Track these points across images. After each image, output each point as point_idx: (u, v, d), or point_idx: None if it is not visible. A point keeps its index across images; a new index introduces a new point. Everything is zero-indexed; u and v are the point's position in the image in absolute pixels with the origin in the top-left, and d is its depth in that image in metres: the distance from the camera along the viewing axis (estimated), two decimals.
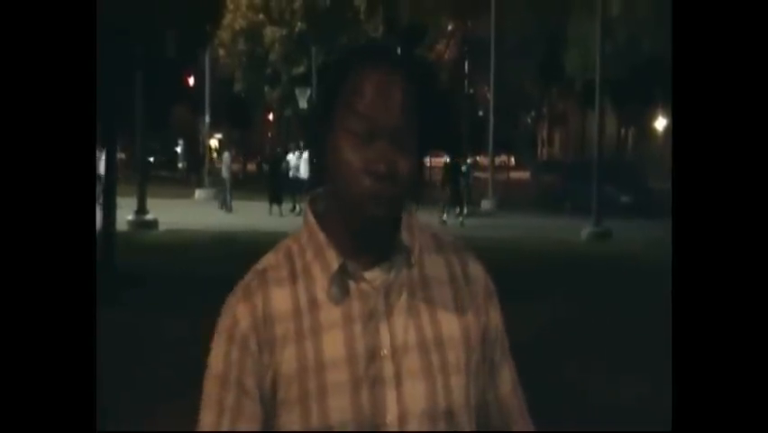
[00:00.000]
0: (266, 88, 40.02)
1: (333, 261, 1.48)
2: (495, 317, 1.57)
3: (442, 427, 1.46)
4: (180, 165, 47.17)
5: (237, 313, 1.50)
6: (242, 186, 32.88)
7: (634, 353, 8.27)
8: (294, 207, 26.04)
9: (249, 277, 1.54)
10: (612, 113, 38.32)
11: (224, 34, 38.92)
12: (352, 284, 1.48)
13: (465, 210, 24.34)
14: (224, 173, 27.53)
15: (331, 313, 1.47)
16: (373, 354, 1.45)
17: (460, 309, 1.52)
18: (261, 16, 39.24)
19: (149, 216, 19.99)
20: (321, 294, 1.48)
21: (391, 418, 1.44)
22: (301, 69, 37.26)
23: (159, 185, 28.63)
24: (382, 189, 1.42)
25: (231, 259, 14.88)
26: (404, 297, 1.49)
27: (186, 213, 23.68)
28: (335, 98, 1.45)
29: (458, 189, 24.45)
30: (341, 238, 1.49)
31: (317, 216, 1.53)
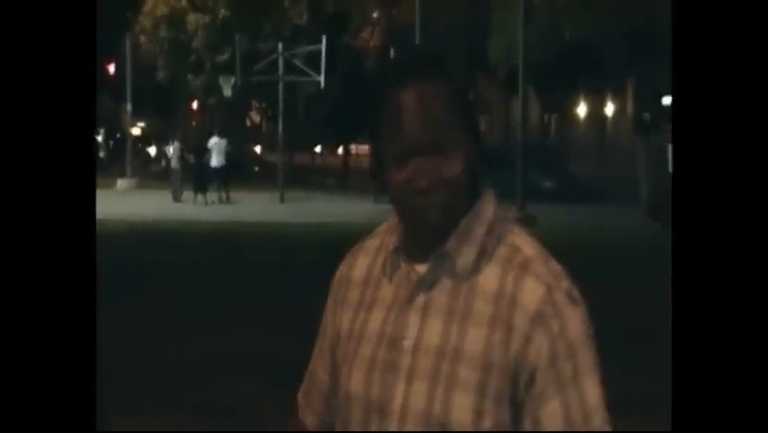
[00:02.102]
0: (189, 76, 39.43)
1: (392, 243, 1.57)
2: (539, 346, 1.46)
3: None
4: (102, 154, 46.26)
5: (336, 271, 1.67)
6: (167, 176, 32.42)
7: None
8: (220, 198, 25.66)
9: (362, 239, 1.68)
10: (535, 99, 38.79)
11: (145, 21, 38.22)
12: (402, 269, 1.54)
13: None
14: (174, 163, 26.98)
15: (386, 291, 1.56)
16: (395, 342, 1.51)
17: (491, 328, 1.47)
18: (184, 3, 38.59)
19: None
20: (383, 272, 1.58)
21: (395, 408, 1.49)
22: (225, 57, 36.79)
23: None
24: (429, 201, 1.47)
25: (153, 248, 14.70)
26: (445, 299, 1.50)
27: (107, 203, 23.23)
28: (381, 128, 1.50)
29: None
30: (407, 231, 1.56)
31: None
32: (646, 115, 27.34)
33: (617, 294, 10.56)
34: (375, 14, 45.87)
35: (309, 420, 1.71)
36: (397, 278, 1.55)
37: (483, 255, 1.50)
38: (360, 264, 1.61)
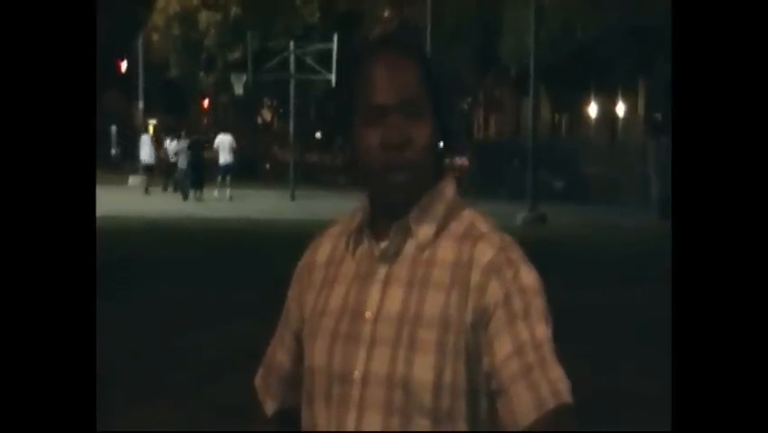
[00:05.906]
0: (201, 74, 39.49)
1: (356, 223, 1.63)
2: (493, 291, 1.53)
3: (398, 396, 1.53)
4: (114, 151, 46.34)
5: (301, 258, 1.73)
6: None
7: (572, 337, 8.38)
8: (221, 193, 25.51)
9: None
10: (546, 99, 38.70)
11: (157, 18, 38.29)
12: (365, 245, 1.61)
13: None
14: (181, 162, 26.67)
15: (347, 268, 1.62)
16: (357, 313, 1.58)
17: (450, 291, 1.55)
18: (196, 1, 38.66)
19: None
20: (347, 250, 1.64)
21: (357, 375, 1.55)
22: (237, 55, 36.82)
23: None
24: (399, 159, 1.54)
25: (166, 245, 14.74)
26: (405, 271, 1.57)
27: (119, 199, 23.31)
28: (353, 93, 1.58)
29: None
30: (373, 207, 1.62)
31: None
32: (657, 116, 27.26)
33: (626, 293, 10.54)
34: (386, 13, 45.84)
35: (269, 405, 1.75)
36: (360, 254, 1.61)
37: (442, 230, 1.58)
38: (323, 249, 1.68)
